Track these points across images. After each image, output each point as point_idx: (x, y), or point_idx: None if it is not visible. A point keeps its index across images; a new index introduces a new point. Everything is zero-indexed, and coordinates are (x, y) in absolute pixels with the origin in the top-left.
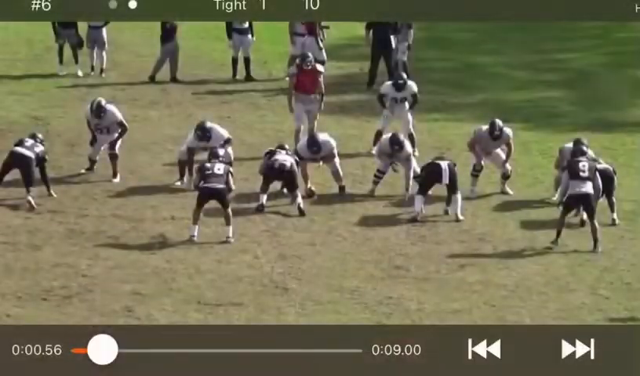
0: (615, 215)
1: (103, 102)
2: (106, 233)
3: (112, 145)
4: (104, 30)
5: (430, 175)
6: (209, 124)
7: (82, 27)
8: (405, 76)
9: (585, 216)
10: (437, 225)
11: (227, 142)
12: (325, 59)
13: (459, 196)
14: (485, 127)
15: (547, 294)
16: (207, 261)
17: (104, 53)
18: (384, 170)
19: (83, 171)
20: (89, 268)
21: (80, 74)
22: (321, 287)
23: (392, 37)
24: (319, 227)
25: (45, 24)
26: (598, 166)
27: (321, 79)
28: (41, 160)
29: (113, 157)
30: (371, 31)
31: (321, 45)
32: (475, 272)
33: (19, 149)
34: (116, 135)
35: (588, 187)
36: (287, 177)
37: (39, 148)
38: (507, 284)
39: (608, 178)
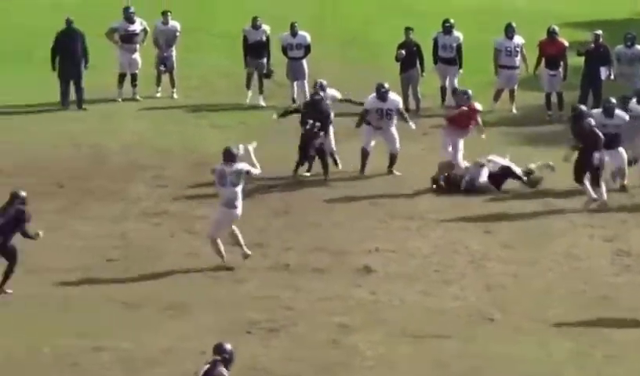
0: None
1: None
2: (310, 265)
3: None
4: (304, 61)
5: None
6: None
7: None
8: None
9: None
10: None
11: None
12: None
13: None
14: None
15: None
16: (412, 292)
17: (306, 85)
18: None
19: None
20: (293, 301)
21: (263, 104)
22: (525, 317)
23: (603, 68)
24: (523, 257)
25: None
26: None
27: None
28: None
29: None
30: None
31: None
32: None
33: None
34: None
35: None
36: None
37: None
38: None
39: None
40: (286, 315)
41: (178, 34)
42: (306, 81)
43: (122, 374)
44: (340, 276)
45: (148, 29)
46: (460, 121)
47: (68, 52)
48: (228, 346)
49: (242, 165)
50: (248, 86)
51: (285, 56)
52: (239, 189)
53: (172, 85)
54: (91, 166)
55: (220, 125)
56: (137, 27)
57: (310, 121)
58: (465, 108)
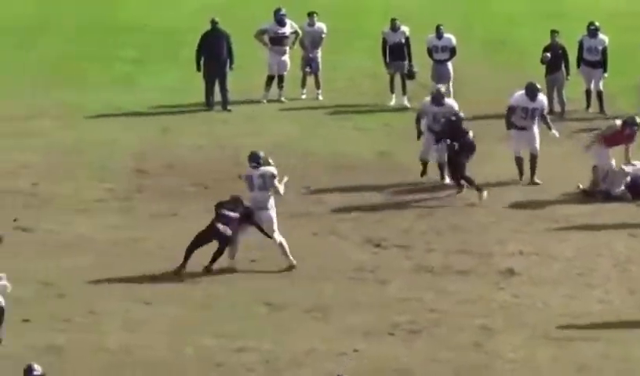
0: None
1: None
2: (453, 267)
3: None
4: (449, 64)
5: None
6: None
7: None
8: None
9: None
10: None
11: None
12: None
13: None
14: None
15: None
16: (555, 296)
17: (451, 88)
18: None
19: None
20: (435, 302)
21: (407, 105)
22: None
23: None
24: None
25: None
26: None
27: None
28: None
29: None
30: None
31: None
32: None
33: None
34: None
35: None
36: None
37: None
38: None
39: None
40: (429, 317)
41: (324, 35)
42: (451, 84)
43: (266, 375)
44: (483, 279)
45: (300, 32)
46: (613, 139)
47: (213, 52)
48: None
49: (269, 168)
50: (391, 89)
51: (430, 58)
52: (268, 192)
53: (317, 87)
54: (235, 167)
55: (363, 128)
56: (287, 29)
57: (448, 141)
58: (626, 132)
